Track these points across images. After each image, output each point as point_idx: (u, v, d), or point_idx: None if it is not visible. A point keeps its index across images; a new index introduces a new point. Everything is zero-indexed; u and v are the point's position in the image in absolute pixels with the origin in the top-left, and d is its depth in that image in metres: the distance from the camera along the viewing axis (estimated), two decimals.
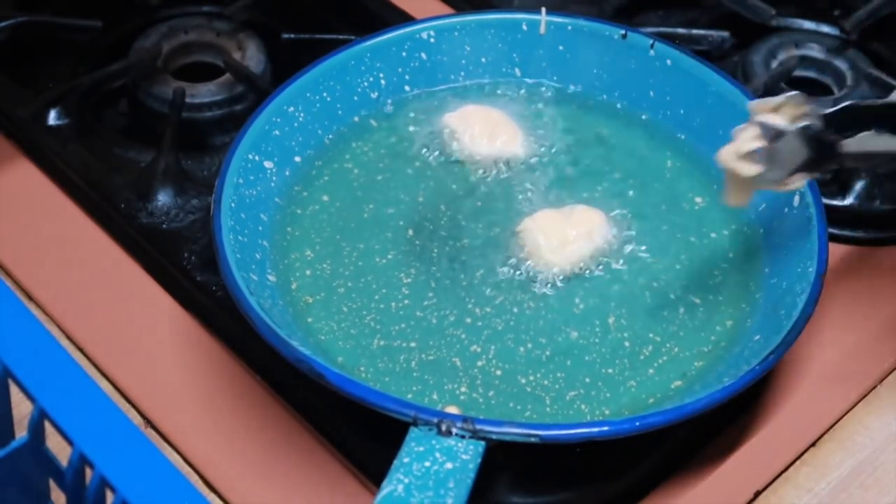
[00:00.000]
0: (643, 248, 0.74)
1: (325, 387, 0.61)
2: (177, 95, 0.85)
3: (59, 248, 0.78)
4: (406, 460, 0.57)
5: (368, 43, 0.80)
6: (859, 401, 0.73)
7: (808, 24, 0.93)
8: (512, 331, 0.69)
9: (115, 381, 0.72)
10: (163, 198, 0.79)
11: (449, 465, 0.57)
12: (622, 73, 0.81)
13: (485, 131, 0.78)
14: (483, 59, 0.82)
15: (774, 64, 0.89)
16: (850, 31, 0.92)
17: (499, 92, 0.82)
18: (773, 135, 0.64)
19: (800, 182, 0.65)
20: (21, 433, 0.56)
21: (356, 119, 0.80)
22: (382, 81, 0.81)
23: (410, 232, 0.74)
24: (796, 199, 0.71)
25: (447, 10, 0.94)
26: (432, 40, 0.81)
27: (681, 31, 0.92)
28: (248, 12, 0.92)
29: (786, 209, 0.72)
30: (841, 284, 0.76)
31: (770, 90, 0.86)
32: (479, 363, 0.68)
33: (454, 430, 0.59)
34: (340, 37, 0.89)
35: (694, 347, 0.69)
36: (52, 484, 0.59)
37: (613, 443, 0.61)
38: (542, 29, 0.81)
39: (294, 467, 0.68)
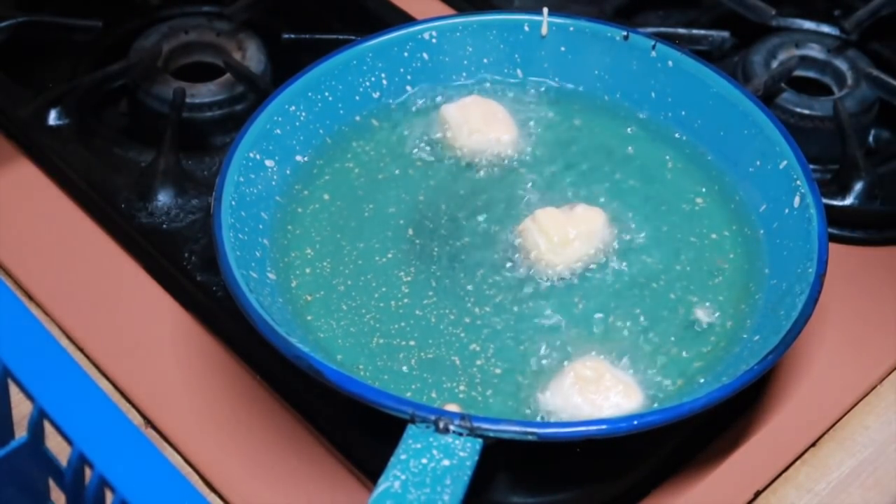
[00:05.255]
0: (643, 248, 0.74)
1: (323, 385, 0.61)
2: (177, 95, 0.85)
3: (59, 248, 0.78)
4: (403, 457, 0.57)
5: (370, 43, 0.80)
6: (859, 401, 0.73)
7: (808, 24, 0.93)
8: (511, 330, 0.69)
9: (115, 381, 0.72)
10: (163, 198, 0.79)
11: (446, 463, 0.57)
12: (624, 73, 0.81)
13: (483, 121, 0.78)
14: (485, 60, 0.82)
15: (774, 64, 0.89)
16: (850, 31, 0.92)
17: (500, 92, 0.82)
18: None
19: None
20: (21, 433, 0.56)
21: (358, 118, 0.80)
22: (384, 81, 0.81)
23: (411, 231, 0.74)
24: (797, 199, 0.71)
25: (448, 10, 0.94)
26: (434, 40, 0.81)
27: (681, 31, 0.92)
28: (248, 12, 0.92)
29: (786, 210, 0.72)
30: (841, 284, 0.76)
31: (770, 90, 0.86)
32: (478, 362, 0.68)
33: (451, 428, 0.59)
34: (341, 37, 0.89)
35: (693, 348, 0.69)
36: (51, 484, 0.59)
37: (613, 443, 0.61)
38: (544, 30, 0.81)
39: (294, 467, 0.68)
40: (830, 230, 0.70)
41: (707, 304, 0.71)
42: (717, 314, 0.70)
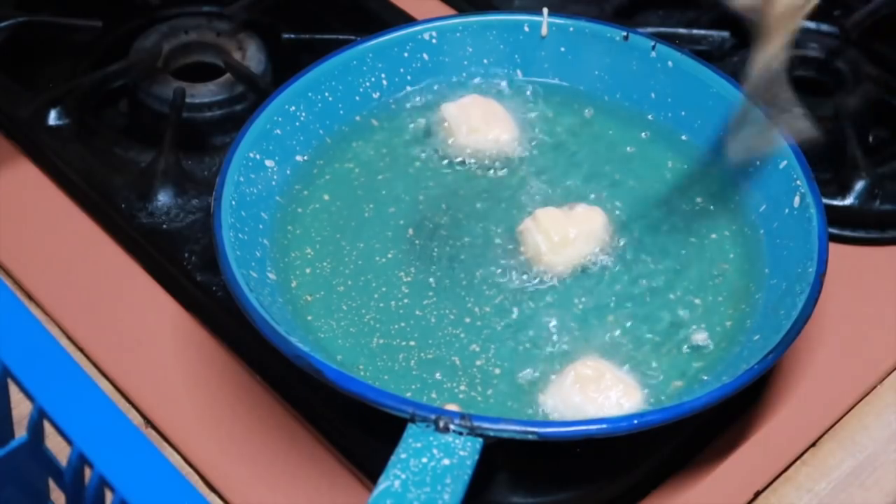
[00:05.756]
0: (643, 247, 0.74)
1: (324, 385, 0.61)
2: (177, 95, 0.85)
3: (59, 248, 0.78)
4: (403, 456, 0.57)
5: (370, 43, 0.80)
6: (859, 401, 0.73)
7: (808, 24, 0.93)
8: (511, 330, 0.69)
9: (115, 381, 0.72)
10: (163, 198, 0.79)
11: (446, 462, 0.57)
12: (624, 74, 0.81)
13: (483, 121, 0.78)
14: (485, 60, 0.82)
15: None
16: (850, 30, 0.92)
17: (500, 92, 0.82)
18: None
19: None
20: (21, 433, 0.56)
21: (358, 118, 0.80)
22: (384, 81, 0.81)
23: (411, 231, 0.74)
24: (796, 199, 0.72)
25: (448, 10, 0.94)
26: (434, 41, 0.81)
27: (681, 31, 0.92)
28: (248, 12, 0.92)
29: (786, 210, 0.72)
30: (841, 284, 0.76)
31: None
32: (479, 362, 0.68)
33: (452, 427, 0.59)
34: (341, 37, 0.89)
35: (694, 347, 0.69)
36: (51, 484, 0.59)
37: (613, 442, 0.61)
38: (544, 30, 0.81)
39: (294, 467, 0.68)
40: (830, 230, 0.70)
41: (707, 303, 0.71)
42: (716, 314, 0.70)
